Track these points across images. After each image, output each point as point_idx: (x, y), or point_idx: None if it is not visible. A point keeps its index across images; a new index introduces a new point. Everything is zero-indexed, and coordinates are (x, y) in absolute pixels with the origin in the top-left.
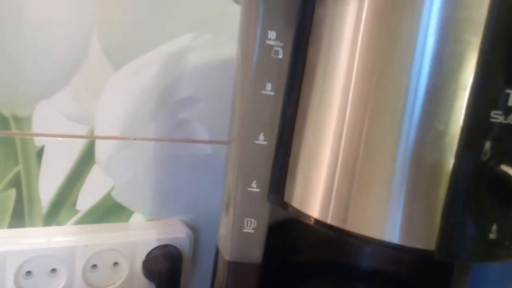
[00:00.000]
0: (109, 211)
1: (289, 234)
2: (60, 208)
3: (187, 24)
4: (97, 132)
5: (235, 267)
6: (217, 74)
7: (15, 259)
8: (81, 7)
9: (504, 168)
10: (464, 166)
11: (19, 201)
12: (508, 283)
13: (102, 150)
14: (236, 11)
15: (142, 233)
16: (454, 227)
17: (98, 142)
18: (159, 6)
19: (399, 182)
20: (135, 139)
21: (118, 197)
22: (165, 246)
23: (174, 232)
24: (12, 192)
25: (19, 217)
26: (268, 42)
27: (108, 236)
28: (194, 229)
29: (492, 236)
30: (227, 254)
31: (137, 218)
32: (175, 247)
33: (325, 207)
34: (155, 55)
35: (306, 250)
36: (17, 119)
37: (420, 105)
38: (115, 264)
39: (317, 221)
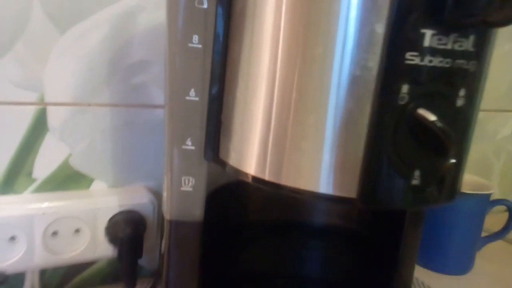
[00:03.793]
0: (68, 179)
1: (240, 195)
2: (15, 177)
3: None
4: (47, 99)
5: (176, 226)
6: None
7: None
8: None
9: (422, 112)
10: (382, 111)
11: None
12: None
13: (54, 117)
14: None
15: (103, 200)
16: (375, 174)
17: (50, 109)
18: None
19: (327, 134)
20: (89, 105)
21: (76, 164)
22: (128, 212)
23: (137, 198)
24: None
25: None
26: None
27: (66, 203)
28: (158, 195)
29: (415, 182)
30: (167, 213)
31: (99, 186)
32: (137, 213)
33: (261, 164)
34: (102, 17)
35: (257, 211)
36: None
37: (340, 52)
38: (77, 231)
39: (254, 178)
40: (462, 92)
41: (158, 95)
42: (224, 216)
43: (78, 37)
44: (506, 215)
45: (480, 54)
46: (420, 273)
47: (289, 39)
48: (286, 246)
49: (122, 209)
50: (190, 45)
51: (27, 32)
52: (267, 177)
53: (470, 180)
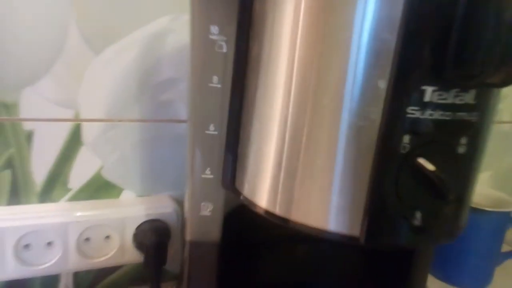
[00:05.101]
0: (100, 188)
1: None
2: (53, 186)
3: (164, 5)
4: (82, 115)
5: (195, 246)
6: None
7: (14, 234)
8: None
9: (422, 161)
10: (384, 159)
11: (14, 181)
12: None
13: (88, 132)
14: None
15: (131, 209)
16: (378, 215)
17: (84, 125)
18: None
19: (333, 177)
20: (120, 121)
21: (108, 175)
22: (154, 220)
23: (162, 207)
24: (7, 173)
25: (15, 195)
26: (211, 36)
27: (98, 212)
28: (182, 203)
29: (417, 222)
30: (188, 235)
31: (128, 195)
32: (162, 222)
33: (272, 199)
34: (133, 39)
35: (273, 228)
36: (6, 106)
37: (346, 104)
38: (107, 237)
39: (265, 211)
40: (463, 141)
41: (184, 111)
42: (241, 234)
43: (111, 58)
44: None
45: (482, 105)
46: (437, 286)
47: (300, 88)
48: (300, 260)
49: (149, 218)
50: (210, 84)
51: (64, 53)
52: (277, 211)
53: (492, 196)
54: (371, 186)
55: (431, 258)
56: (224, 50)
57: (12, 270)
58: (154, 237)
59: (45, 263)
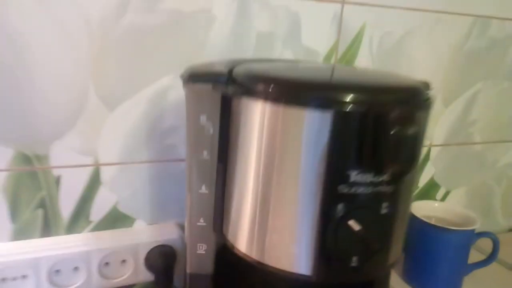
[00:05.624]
0: (116, 220)
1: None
2: (77, 220)
3: (165, 67)
4: (100, 161)
5: (194, 276)
6: None
7: (47, 262)
8: (78, 64)
9: (351, 223)
10: (326, 221)
11: (46, 217)
12: None
13: (106, 173)
14: (204, 55)
15: (143, 236)
16: (325, 259)
17: (102, 168)
18: (141, 54)
19: (294, 231)
20: (132, 163)
21: (122, 208)
22: (162, 246)
23: (169, 234)
24: (40, 211)
25: (47, 229)
26: (201, 122)
27: (115, 240)
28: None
29: (354, 264)
30: (188, 267)
31: (140, 224)
32: (170, 247)
33: (249, 244)
34: (142, 96)
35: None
36: (38, 157)
37: (301, 184)
38: (123, 261)
39: (244, 254)
40: (385, 205)
41: (184, 152)
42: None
43: (124, 112)
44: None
45: (397, 179)
46: None
47: (266, 170)
48: None
49: (158, 243)
50: (201, 157)
51: (85, 111)
52: (253, 255)
53: (461, 214)
54: (318, 240)
55: (388, 283)
56: (211, 132)
57: None
58: (163, 260)
59: (73, 285)
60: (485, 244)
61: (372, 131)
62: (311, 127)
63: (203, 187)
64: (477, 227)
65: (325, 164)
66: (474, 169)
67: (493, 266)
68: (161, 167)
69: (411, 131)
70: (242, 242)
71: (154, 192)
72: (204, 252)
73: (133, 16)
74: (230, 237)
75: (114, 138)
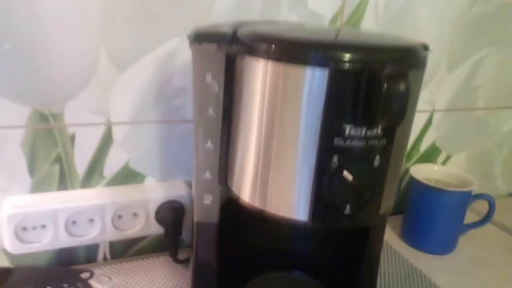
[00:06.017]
0: (128, 176)
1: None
2: (91, 175)
3: (173, 30)
4: (112, 120)
5: (201, 225)
6: None
7: (64, 213)
8: (88, 28)
9: (345, 173)
10: (322, 172)
11: (62, 172)
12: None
13: (118, 132)
14: (211, 18)
15: (154, 192)
16: (320, 206)
17: (114, 127)
18: (150, 17)
19: (293, 180)
20: (142, 122)
21: (134, 166)
22: (171, 201)
23: (177, 190)
24: (57, 167)
25: (63, 183)
26: (207, 81)
27: (127, 194)
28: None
29: (347, 212)
30: (195, 217)
31: (150, 181)
32: (178, 202)
33: (252, 194)
34: (151, 58)
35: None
36: (53, 115)
37: (301, 138)
38: (135, 214)
39: (248, 204)
40: (377, 158)
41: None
42: (234, 215)
43: (134, 73)
44: None
45: (390, 134)
46: (407, 252)
47: (268, 124)
48: (277, 235)
49: (167, 199)
50: (207, 113)
51: (97, 72)
52: (256, 204)
53: (460, 177)
54: (314, 189)
55: (382, 235)
56: (216, 90)
57: (64, 240)
58: (172, 214)
59: (88, 235)
60: (484, 208)
61: (366, 87)
62: (310, 84)
63: (209, 142)
64: (474, 188)
65: (322, 118)
66: (476, 134)
67: (491, 228)
68: (170, 127)
69: (401, 87)
70: (246, 192)
71: (163, 151)
72: (210, 202)
73: None
74: (234, 189)
75: (125, 98)
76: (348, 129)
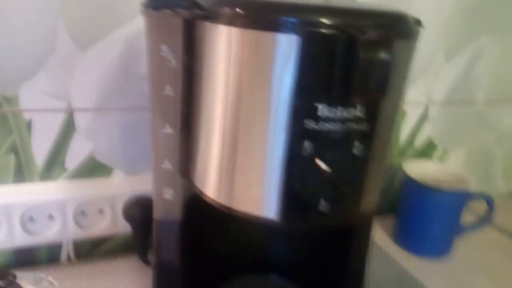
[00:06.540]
0: (93, 168)
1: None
2: (52, 167)
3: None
4: (74, 105)
5: (161, 223)
6: None
7: (19, 208)
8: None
9: (318, 162)
10: (292, 161)
11: (18, 162)
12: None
13: (80, 119)
14: None
15: (121, 186)
16: (291, 202)
17: (76, 114)
18: None
19: (260, 172)
20: (107, 109)
21: (99, 157)
22: (141, 196)
23: (147, 184)
24: (11, 156)
25: (20, 175)
26: (162, 53)
27: (92, 189)
28: None
29: (322, 208)
30: (155, 214)
31: (118, 174)
32: (148, 197)
33: (217, 190)
34: (116, 37)
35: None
36: (7, 99)
37: (268, 118)
38: (100, 211)
39: (212, 200)
40: (356, 143)
41: None
42: (198, 212)
43: (97, 54)
44: None
45: (371, 116)
46: (399, 255)
47: (233, 104)
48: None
49: (135, 193)
50: (163, 92)
51: (56, 51)
52: (221, 200)
53: (454, 174)
54: (284, 181)
55: (368, 236)
56: (173, 63)
57: (19, 239)
58: (141, 211)
59: (47, 233)
60: (483, 208)
61: (342, 58)
62: (278, 54)
63: (167, 126)
64: (472, 187)
65: (292, 97)
66: (474, 129)
67: (489, 230)
68: (139, 115)
69: (382, 55)
70: (210, 186)
71: (132, 141)
72: (171, 197)
73: None
74: (197, 182)
75: (87, 81)
76: (321, 109)
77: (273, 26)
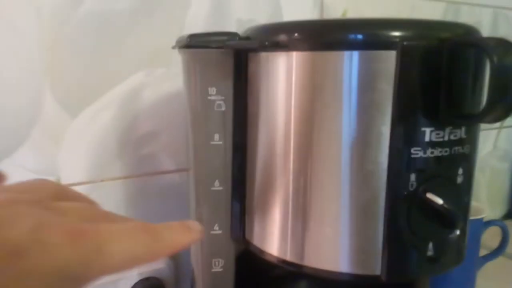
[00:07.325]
0: None
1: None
2: None
3: (136, 62)
4: (63, 180)
5: None
6: (174, 104)
7: None
8: (29, 62)
9: (429, 196)
10: (395, 198)
11: None
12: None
13: None
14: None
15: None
16: (396, 252)
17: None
18: (106, 48)
19: (344, 221)
20: (102, 180)
21: None
22: (147, 279)
23: (154, 264)
24: None
25: None
26: (210, 97)
27: None
28: (174, 257)
29: (430, 253)
30: None
31: None
32: (157, 279)
33: (283, 245)
34: (110, 98)
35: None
36: None
37: (350, 150)
38: None
39: (277, 259)
40: (460, 171)
41: (167, 162)
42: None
43: (89, 119)
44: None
45: (471, 137)
46: None
47: (300, 141)
48: None
49: (142, 277)
50: (212, 142)
51: (41, 120)
52: (288, 257)
53: None
54: (386, 225)
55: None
56: (223, 108)
57: None
58: None
59: None
60: (489, 236)
61: (451, 69)
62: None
63: (216, 183)
64: (485, 215)
65: (394, 120)
66: None
67: (500, 260)
68: (139, 182)
69: (507, 62)
70: (273, 243)
71: (134, 213)
72: (221, 269)
73: (92, 1)
74: (256, 241)
75: (79, 151)
76: (428, 133)
77: (346, 44)
